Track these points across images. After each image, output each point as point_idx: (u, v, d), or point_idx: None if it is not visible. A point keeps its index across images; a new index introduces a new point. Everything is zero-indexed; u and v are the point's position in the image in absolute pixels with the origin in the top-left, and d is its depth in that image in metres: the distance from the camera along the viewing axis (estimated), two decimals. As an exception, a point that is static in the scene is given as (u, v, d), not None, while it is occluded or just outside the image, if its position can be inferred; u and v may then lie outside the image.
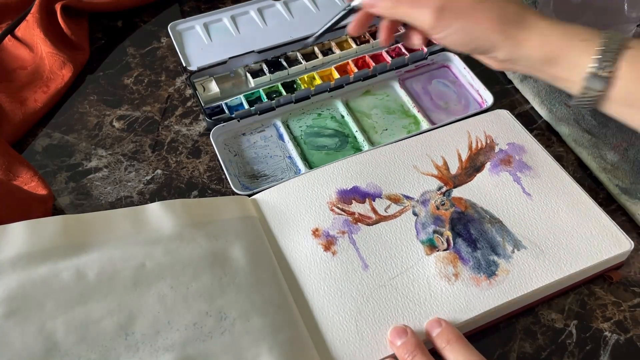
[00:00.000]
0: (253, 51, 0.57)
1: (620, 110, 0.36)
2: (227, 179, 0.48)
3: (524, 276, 0.40)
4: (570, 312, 0.41)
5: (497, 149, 0.47)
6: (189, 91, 0.56)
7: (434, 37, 0.40)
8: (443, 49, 0.58)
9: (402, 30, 0.44)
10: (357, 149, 0.51)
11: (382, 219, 0.43)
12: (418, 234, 0.42)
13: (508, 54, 0.38)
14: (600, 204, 0.44)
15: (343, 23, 0.44)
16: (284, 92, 0.54)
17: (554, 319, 0.41)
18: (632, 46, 0.35)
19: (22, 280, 0.37)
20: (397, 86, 0.56)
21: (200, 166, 0.50)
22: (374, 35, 0.60)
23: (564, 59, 0.36)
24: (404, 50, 0.57)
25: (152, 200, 0.48)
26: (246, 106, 0.53)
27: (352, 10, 0.43)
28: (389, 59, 0.56)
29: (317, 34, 0.45)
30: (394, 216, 0.43)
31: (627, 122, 0.37)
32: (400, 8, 0.39)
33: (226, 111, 0.53)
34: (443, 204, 0.44)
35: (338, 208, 0.44)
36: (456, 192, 0.45)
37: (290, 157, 0.50)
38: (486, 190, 0.45)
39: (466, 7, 0.38)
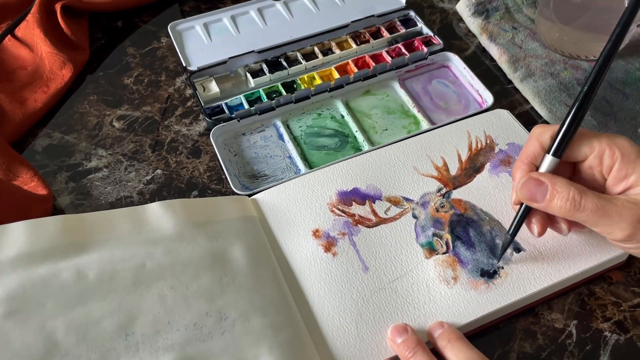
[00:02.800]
0: (253, 51, 0.57)
1: None
2: (227, 179, 0.48)
3: (523, 279, 0.40)
4: (570, 312, 0.41)
5: (497, 150, 0.47)
6: (189, 91, 0.56)
7: (620, 246, 0.37)
8: (443, 49, 0.58)
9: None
10: (357, 149, 0.51)
11: (382, 221, 0.43)
12: (418, 237, 0.42)
13: None
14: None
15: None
16: (284, 92, 0.54)
17: (554, 319, 0.41)
18: None
19: (22, 280, 0.37)
20: (397, 86, 0.56)
21: (200, 166, 0.50)
22: (374, 35, 0.60)
23: None
24: (404, 50, 0.57)
25: (152, 200, 0.48)
26: (246, 106, 0.53)
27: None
28: (389, 59, 0.56)
29: (507, 239, 0.40)
30: (393, 219, 0.43)
31: None
32: (583, 214, 0.35)
33: (226, 111, 0.53)
34: (443, 206, 0.44)
35: (338, 209, 0.44)
36: (456, 194, 0.45)
37: (290, 157, 0.50)
38: (486, 192, 0.45)
39: None
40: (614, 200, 0.35)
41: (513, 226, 0.39)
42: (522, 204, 0.39)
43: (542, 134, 0.39)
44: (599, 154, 0.37)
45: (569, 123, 0.37)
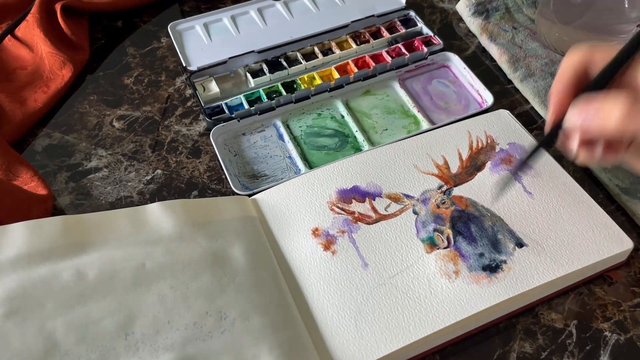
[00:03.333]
0: (253, 51, 0.57)
1: None
2: (227, 179, 0.48)
3: (525, 273, 0.40)
4: (570, 312, 0.41)
5: (497, 149, 0.47)
6: (189, 91, 0.56)
7: None
8: (443, 49, 0.58)
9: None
10: (357, 149, 0.51)
11: (382, 218, 0.43)
12: (418, 232, 0.42)
13: None
14: (600, 204, 0.44)
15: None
16: (284, 92, 0.54)
17: (554, 319, 0.41)
18: None
19: (22, 280, 0.37)
20: (397, 86, 0.56)
21: (200, 166, 0.50)
22: (374, 35, 0.60)
23: None
24: (404, 50, 0.57)
25: (152, 200, 0.48)
26: (246, 106, 0.53)
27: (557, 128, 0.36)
28: (389, 59, 0.56)
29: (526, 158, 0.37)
30: (394, 215, 0.43)
31: None
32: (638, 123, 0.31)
33: (226, 111, 0.53)
34: (443, 203, 0.44)
35: (338, 207, 0.44)
36: (457, 191, 0.45)
37: (290, 157, 0.50)
38: (487, 189, 0.45)
39: None
40: None
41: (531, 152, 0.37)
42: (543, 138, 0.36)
43: (574, 54, 0.35)
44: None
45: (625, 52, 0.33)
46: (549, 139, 0.36)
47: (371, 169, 0.46)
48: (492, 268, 0.40)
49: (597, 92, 0.34)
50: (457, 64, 0.57)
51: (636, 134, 0.31)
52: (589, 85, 0.35)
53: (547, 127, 0.36)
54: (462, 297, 0.39)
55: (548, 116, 0.36)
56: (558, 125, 0.35)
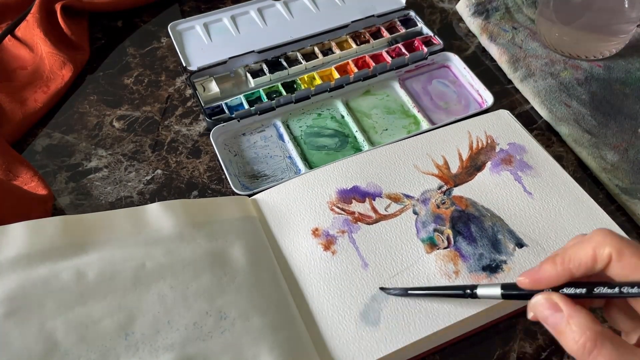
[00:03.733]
0: (253, 51, 0.57)
1: None
2: (227, 179, 0.48)
3: None
4: (571, 312, 0.41)
5: (497, 149, 0.47)
6: (189, 91, 0.56)
7: None
8: (443, 49, 0.58)
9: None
10: (357, 149, 0.51)
11: (382, 218, 0.43)
12: (418, 232, 0.42)
13: None
14: (600, 204, 0.44)
15: None
16: (284, 92, 0.54)
17: (554, 318, 0.40)
18: None
19: (22, 280, 0.36)
20: (397, 86, 0.56)
21: (200, 166, 0.50)
22: (374, 35, 0.60)
23: None
24: (404, 50, 0.57)
25: (152, 200, 0.48)
26: (246, 106, 0.53)
27: (471, 296, 0.35)
28: (389, 59, 0.56)
29: (416, 292, 0.37)
30: (394, 215, 0.43)
31: None
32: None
33: (226, 111, 0.53)
34: (443, 203, 0.44)
35: (338, 208, 0.44)
36: (457, 191, 0.45)
37: (290, 157, 0.50)
38: (487, 189, 0.45)
39: None
40: (634, 356, 0.29)
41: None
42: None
43: (602, 247, 0.30)
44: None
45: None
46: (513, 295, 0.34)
47: (371, 169, 0.46)
48: (492, 268, 0.40)
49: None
50: (457, 64, 0.57)
51: None
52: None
53: (524, 285, 0.32)
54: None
55: (519, 278, 0.32)
56: (526, 294, 0.32)
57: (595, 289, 0.30)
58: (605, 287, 0.30)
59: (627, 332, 0.32)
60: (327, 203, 0.44)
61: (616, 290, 0.29)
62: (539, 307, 0.31)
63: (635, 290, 0.29)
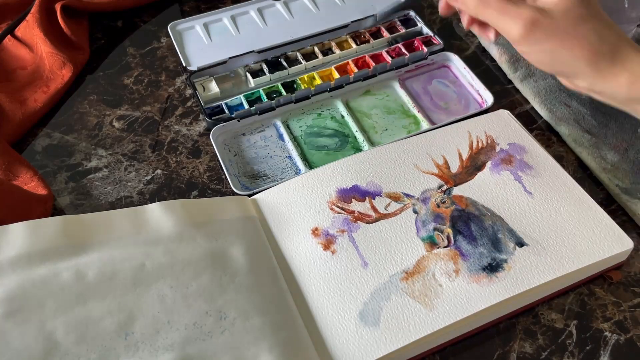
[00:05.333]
0: (253, 51, 0.57)
1: None
2: (227, 179, 0.48)
3: (526, 273, 0.40)
4: (570, 312, 0.41)
5: (497, 149, 0.47)
6: (189, 91, 0.56)
7: (516, 47, 0.38)
8: (443, 49, 0.58)
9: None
10: (357, 149, 0.51)
11: (382, 217, 0.43)
12: (418, 231, 0.42)
13: (591, 85, 0.36)
14: (600, 204, 0.44)
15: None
16: (284, 92, 0.54)
17: (554, 319, 0.41)
18: None
19: (22, 280, 0.37)
20: (397, 86, 0.56)
21: (200, 166, 0.50)
22: (374, 35, 0.60)
23: None
24: (404, 50, 0.57)
25: (152, 200, 0.48)
26: (246, 106, 0.53)
27: None
28: (389, 59, 0.56)
29: (383, 11, 0.40)
30: (394, 214, 0.43)
31: None
32: (487, 10, 0.37)
33: (226, 111, 0.53)
34: (444, 202, 0.44)
35: (338, 207, 0.44)
36: (457, 190, 0.45)
37: (290, 157, 0.50)
38: (487, 189, 0.45)
39: (561, 29, 0.35)
40: (517, 3, 0.36)
41: None
42: None
43: None
44: None
45: None
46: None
47: (371, 168, 0.46)
48: (492, 267, 0.40)
49: None
50: (457, 64, 0.57)
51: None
52: None
53: None
54: (462, 296, 0.39)
55: None
56: None
57: None
58: None
59: None
60: (327, 202, 0.44)
61: None
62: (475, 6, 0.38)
63: None
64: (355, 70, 0.56)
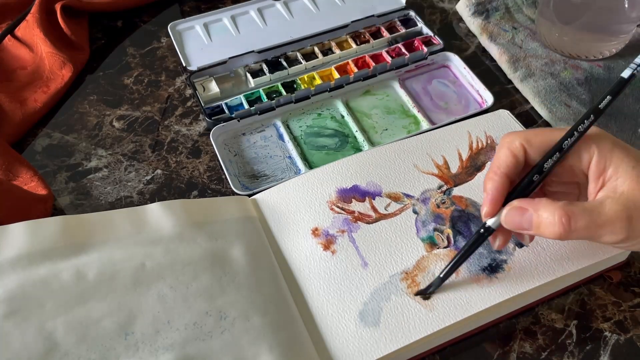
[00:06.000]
0: (253, 51, 0.57)
1: None
2: (227, 179, 0.48)
3: (526, 273, 0.40)
4: (570, 312, 0.41)
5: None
6: (189, 91, 0.56)
7: (621, 248, 0.37)
8: (443, 49, 0.58)
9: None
10: (357, 149, 0.51)
11: (382, 217, 0.43)
12: (418, 231, 0.42)
13: None
14: (601, 204, 0.44)
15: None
16: (284, 92, 0.54)
17: (554, 319, 0.41)
18: None
19: (22, 280, 0.37)
20: (397, 86, 0.56)
21: (200, 166, 0.50)
22: (374, 35, 0.60)
23: None
24: (403, 50, 0.57)
25: (152, 200, 0.48)
26: (246, 106, 0.53)
27: (488, 232, 0.37)
28: (389, 59, 0.56)
29: (448, 268, 0.38)
30: (394, 214, 0.43)
31: None
32: (575, 234, 0.33)
33: (226, 111, 0.53)
34: (443, 202, 0.44)
35: (338, 207, 0.44)
36: (457, 191, 0.45)
37: (290, 157, 0.50)
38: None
39: None
40: (601, 209, 0.33)
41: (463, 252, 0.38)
42: (475, 234, 0.37)
43: (512, 141, 0.37)
44: (577, 149, 0.36)
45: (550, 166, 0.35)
46: (481, 238, 0.37)
47: (371, 168, 0.46)
48: (492, 268, 0.40)
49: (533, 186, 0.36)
50: (457, 64, 0.57)
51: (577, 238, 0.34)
52: (527, 180, 0.36)
53: (484, 219, 0.37)
54: (462, 297, 0.39)
55: (483, 213, 0.37)
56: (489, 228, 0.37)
57: (545, 165, 0.35)
58: (549, 160, 0.35)
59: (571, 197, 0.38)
60: (327, 202, 0.44)
61: (556, 155, 0.35)
62: (510, 219, 0.35)
63: (568, 142, 0.35)
64: (355, 70, 0.56)
